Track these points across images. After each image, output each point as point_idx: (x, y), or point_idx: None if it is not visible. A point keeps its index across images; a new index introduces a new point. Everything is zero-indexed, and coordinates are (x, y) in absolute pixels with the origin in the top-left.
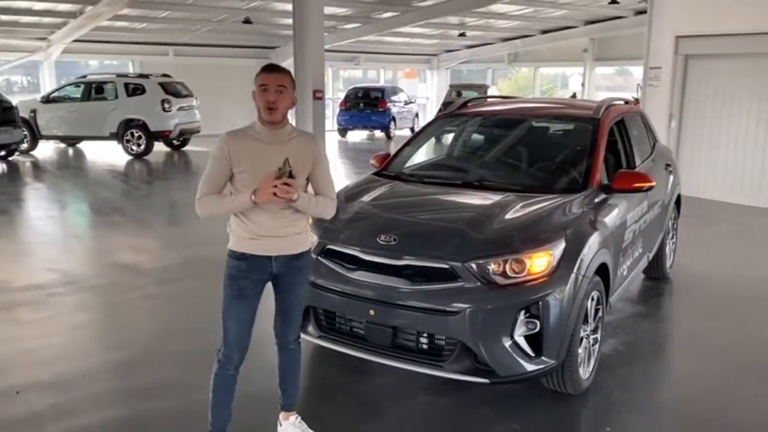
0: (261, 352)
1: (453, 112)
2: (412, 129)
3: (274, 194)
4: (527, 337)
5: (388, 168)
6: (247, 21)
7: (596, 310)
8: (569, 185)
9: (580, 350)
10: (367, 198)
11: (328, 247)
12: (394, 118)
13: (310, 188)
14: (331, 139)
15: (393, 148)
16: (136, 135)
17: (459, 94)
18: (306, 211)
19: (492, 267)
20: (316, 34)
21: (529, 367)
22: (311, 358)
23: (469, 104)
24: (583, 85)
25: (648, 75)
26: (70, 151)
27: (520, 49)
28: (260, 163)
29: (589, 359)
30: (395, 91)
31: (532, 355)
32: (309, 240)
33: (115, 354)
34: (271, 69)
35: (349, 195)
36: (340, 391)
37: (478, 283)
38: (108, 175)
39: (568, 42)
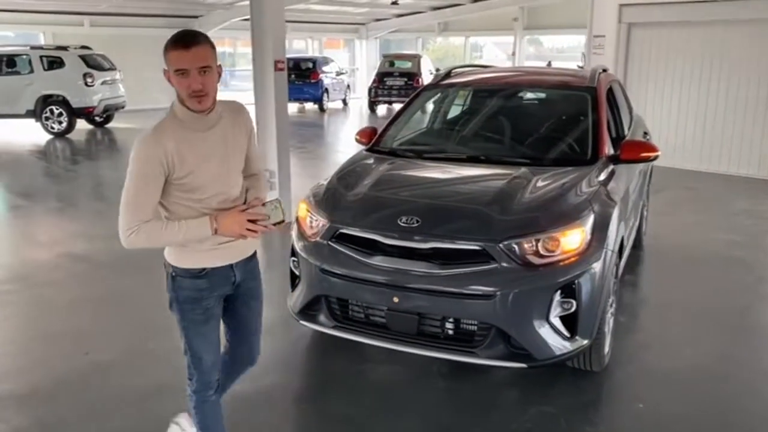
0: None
1: (438, 82)
2: (344, 101)
3: (250, 230)
4: (562, 318)
5: (379, 144)
6: None
7: (612, 284)
8: (579, 157)
9: (606, 327)
10: (371, 177)
11: (341, 231)
12: (327, 90)
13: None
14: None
15: (326, 121)
16: (56, 112)
17: (392, 64)
18: None
19: (526, 246)
20: None
21: (565, 348)
22: (313, 348)
23: (452, 74)
24: (513, 54)
25: (592, 43)
26: None
27: (450, 18)
28: (204, 157)
29: (608, 334)
30: (327, 61)
31: (568, 335)
32: None
33: (95, 356)
34: (186, 43)
35: (348, 175)
36: (357, 382)
37: (513, 264)
38: (29, 156)
39: (498, 11)
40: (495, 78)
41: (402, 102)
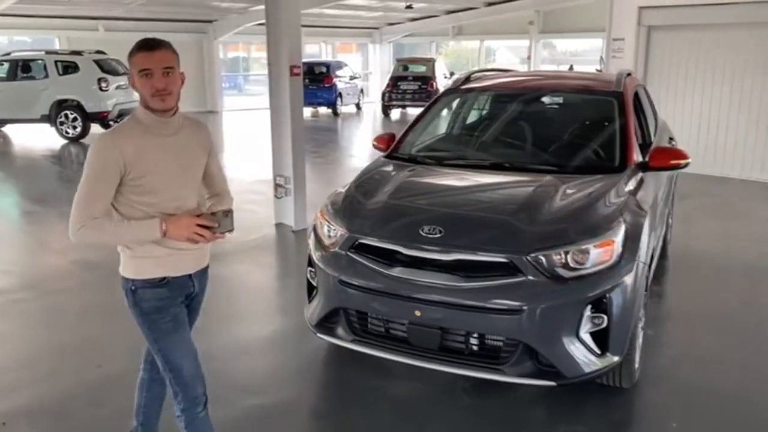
0: (256, 352)
1: (458, 87)
2: (357, 105)
3: (199, 234)
4: (593, 334)
5: (398, 150)
6: None
7: (643, 297)
8: (607, 164)
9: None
10: (391, 185)
11: (360, 241)
12: (340, 94)
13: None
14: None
15: (339, 126)
16: (70, 117)
17: (406, 68)
18: None
19: (555, 258)
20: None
21: (596, 365)
22: (330, 361)
23: (472, 78)
24: (528, 58)
25: (611, 47)
26: None
27: (464, 21)
28: (161, 160)
29: (638, 349)
30: (340, 65)
31: (599, 352)
32: None
33: (107, 368)
34: (150, 46)
35: (367, 182)
36: (377, 397)
37: (541, 277)
38: (44, 161)
39: (514, 14)
40: (517, 82)
41: (416, 106)
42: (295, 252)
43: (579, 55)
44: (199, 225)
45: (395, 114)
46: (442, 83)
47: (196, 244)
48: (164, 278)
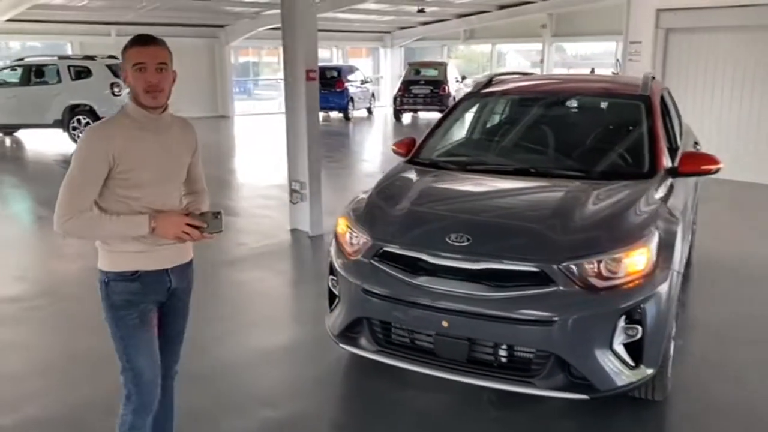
0: (273, 362)
1: (479, 90)
2: (369, 109)
3: (186, 233)
4: (626, 345)
5: (419, 155)
6: None
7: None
8: (636, 170)
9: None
10: (414, 191)
11: (385, 249)
12: (352, 99)
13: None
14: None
15: (351, 130)
16: (83, 122)
17: (418, 72)
18: None
19: (587, 268)
20: (307, 4)
21: (630, 378)
22: (351, 371)
23: (493, 82)
24: (541, 61)
25: (628, 49)
26: (7, 140)
27: (476, 25)
28: (148, 156)
29: (670, 360)
30: (352, 70)
31: (633, 365)
32: None
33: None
34: (145, 41)
35: (388, 188)
36: (399, 410)
37: (573, 287)
38: (56, 166)
39: (526, 18)
40: (541, 85)
41: (428, 110)
42: (312, 258)
43: (590, 59)
44: (188, 224)
45: (407, 118)
46: (454, 87)
47: (182, 242)
48: (137, 272)
